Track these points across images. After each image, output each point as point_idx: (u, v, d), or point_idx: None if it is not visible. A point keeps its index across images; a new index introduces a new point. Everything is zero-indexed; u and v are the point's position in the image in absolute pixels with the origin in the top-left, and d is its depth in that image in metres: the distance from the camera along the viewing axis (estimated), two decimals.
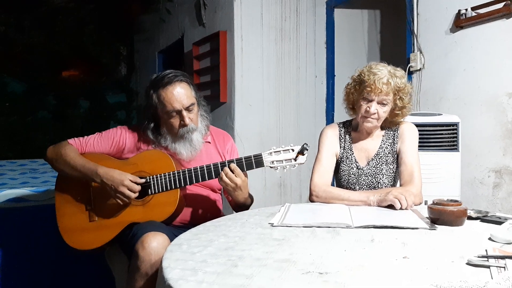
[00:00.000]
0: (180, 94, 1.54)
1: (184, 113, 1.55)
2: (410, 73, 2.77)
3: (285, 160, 1.46)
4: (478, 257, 0.88)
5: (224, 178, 1.46)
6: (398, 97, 1.57)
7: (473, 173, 2.42)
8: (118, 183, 1.46)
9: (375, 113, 1.56)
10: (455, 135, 2.16)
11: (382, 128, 1.68)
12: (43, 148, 1.65)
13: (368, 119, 1.58)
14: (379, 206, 1.44)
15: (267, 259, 0.92)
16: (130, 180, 1.47)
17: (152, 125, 1.61)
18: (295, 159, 1.46)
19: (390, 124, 1.66)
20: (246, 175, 1.50)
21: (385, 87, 1.52)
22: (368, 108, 1.56)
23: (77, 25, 5.21)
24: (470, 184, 2.43)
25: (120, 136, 1.65)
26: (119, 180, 1.46)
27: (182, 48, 4.05)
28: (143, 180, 1.51)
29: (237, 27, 3.13)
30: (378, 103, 1.55)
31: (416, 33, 2.72)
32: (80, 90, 5.45)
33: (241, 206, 1.62)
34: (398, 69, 1.60)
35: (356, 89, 1.62)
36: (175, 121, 1.57)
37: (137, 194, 1.49)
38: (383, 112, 1.57)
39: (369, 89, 1.54)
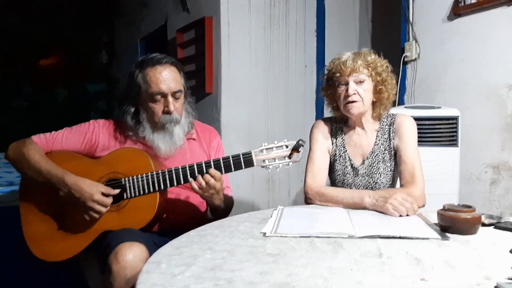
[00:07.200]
0: (169, 76, 1.41)
1: (170, 98, 1.41)
2: (404, 63, 2.67)
3: (278, 158, 1.33)
4: (509, 279, 0.76)
5: (203, 185, 1.31)
6: (374, 72, 1.48)
7: (469, 168, 2.33)
8: (87, 198, 1.30)
9: (355, 93, 1.46)
10: (454, 129, 2.06)
11: (375, 119, 1.56)
12: (17, 139, 1.46)
13: (351, 104, 1.47)
14: (374, 210, 1.32)
15: (262, 283, 0.78)
16: (102, 193, 1.31)
17: (132, 109, 1.45)
18: (289, 157, 1.32)
19: (383, 110, 1.54)
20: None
21: (352, 65, 1.45)
22: (346, 92, 1.47)
23: (54, 9, 4.93)
24: (467, 180, 2.33)
25: (93, 131, 1.47)
26: (89, 194, 1.30)
27: (165, 35, 3.85)
28: (117, 191, 1.34)
29: (224, 12, 2.95)
30: (355, 82, 1.47)
31: (411, 21, 2.61)
32: (57, 78, 5.20)
33: (217, 210, 1.49)
34: (364, 48, 1.55)
35: (330, 84, 1.55)
36: (159, 107, 1.42)
37: (108, 208, 1.33)
38: (363, 91, 1.47)
39: (338, 74, 1.48)
